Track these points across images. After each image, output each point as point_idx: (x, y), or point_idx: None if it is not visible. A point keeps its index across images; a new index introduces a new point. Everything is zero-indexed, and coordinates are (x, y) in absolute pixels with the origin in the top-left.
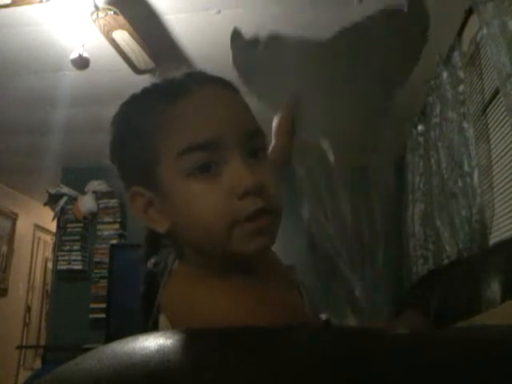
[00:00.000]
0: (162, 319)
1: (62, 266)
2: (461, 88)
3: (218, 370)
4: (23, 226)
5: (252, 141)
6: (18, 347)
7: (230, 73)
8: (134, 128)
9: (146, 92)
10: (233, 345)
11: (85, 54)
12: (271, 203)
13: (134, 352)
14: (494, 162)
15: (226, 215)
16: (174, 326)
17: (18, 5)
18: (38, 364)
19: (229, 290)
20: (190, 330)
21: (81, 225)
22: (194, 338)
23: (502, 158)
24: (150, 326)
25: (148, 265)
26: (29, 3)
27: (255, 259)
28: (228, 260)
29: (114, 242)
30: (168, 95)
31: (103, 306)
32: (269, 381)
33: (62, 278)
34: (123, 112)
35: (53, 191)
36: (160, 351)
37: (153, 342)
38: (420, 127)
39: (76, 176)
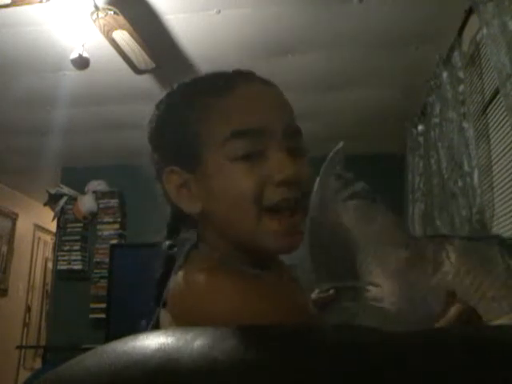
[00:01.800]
0: (164, 314)
1: (62, 266)
2: (461, 88)
3: (218, 368)
4: (23, 225)
5: (294, 138)
6: (18, 347)
7: None
8: (178, 116)
9: (194, 83)
10: (233, 343)
11: (85, 54)
12: (303, 198)
13: (134, 351)
14: (494, 162)
15: (258, 199)
16: (176, 320)
17: (18, 5)
18: (38, 364)
19: (241, 286)
20: (190, 328)
21: (81, 225)
22: (194, 337)
23: (502, 158)
24: (154, 322)
25: (163, 247)
26: (29, 3)
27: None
28: (250, 254)
29: (114, 242)
30: (215, 89)
31: (103, 306)
32: (267, 380)
33: (62, 278)
34: (170, 99)
35: (53, 191)
36: (160, 350)
37: (153, 341)
38: (420, 127)
39: (76, 176)
